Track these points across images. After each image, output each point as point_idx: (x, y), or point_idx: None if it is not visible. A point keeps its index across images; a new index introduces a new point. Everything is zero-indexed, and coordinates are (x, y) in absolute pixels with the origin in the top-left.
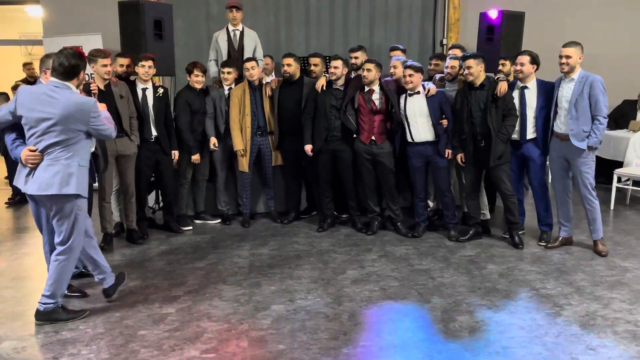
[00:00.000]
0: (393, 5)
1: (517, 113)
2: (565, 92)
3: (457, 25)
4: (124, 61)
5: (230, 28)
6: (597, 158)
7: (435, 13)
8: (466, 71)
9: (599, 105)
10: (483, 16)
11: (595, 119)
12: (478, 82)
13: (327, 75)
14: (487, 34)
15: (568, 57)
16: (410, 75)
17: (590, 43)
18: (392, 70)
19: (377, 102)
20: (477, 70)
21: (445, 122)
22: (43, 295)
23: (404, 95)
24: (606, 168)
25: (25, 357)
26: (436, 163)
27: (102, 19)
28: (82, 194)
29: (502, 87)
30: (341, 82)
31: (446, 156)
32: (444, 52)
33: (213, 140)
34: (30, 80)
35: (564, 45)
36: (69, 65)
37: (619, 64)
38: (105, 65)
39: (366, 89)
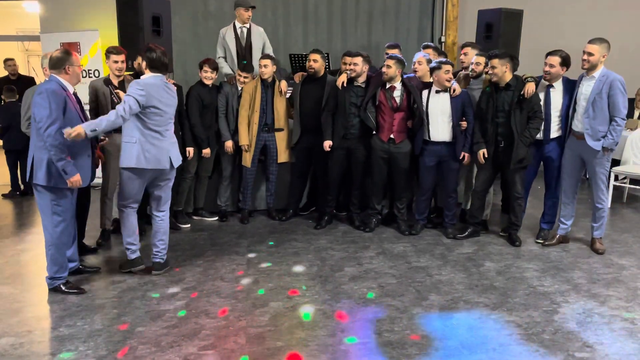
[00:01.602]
0: (391, 3)
1: (543, 116)
2: (585, 90)
3: (455, 22)
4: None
5: (238, 25)
6: None
7: (434, 10)
8: (490, 70)
9: (617, 105)
10: (481, 14)
11: (613, 119)
12: (503, 83)
13: (348, 72)
14: (486, 32)
15: (590, 54)
16: (449, 72)
17: (587, 41)
18: (416, 65)
19: (397, 99)
20: (501, 71)
21: (464, 123)
22: (161, 251)
23: (426, 91)
24: None
25: (23, 354)
26: (448, 164)
27: (100, 15)
28: None
29: (530, 88)
30: (362, 79)
31: (460, 158)
32: (442, 49)
33: (229, 144)
34: (12, 77)
35: (589, 41)
36: (168, 61)
37: (616, 62)
38: (116, 62)
39: (387, 85)
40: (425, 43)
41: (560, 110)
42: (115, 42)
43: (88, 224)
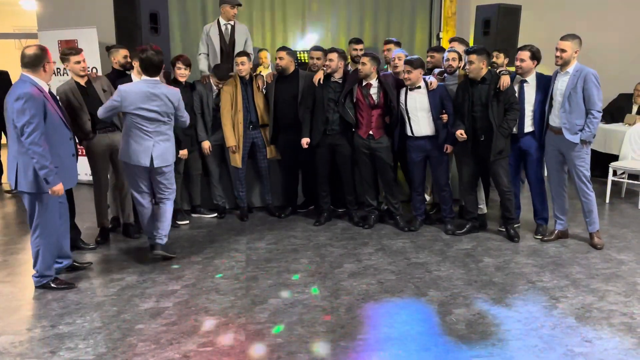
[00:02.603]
0: None
1: (519, 107)
2: (560, 85)
3: (453, 18)
4: (126, 52)
5: (222, 22)
6: (593, 151)
7: (432, 6)
8: (468, 66)
9: (592, 99)
10: (479, 9)
11: (589, 112)
12: (479, 77)
13: (324, 68)
14: (484, 28)
15: (563, 50)
16: (408, 72)
17: (586, 37)
18: (396, 61)
19: (374, 97)
20: (478, 67)
21: (445, 116)
22: (160, 232)
23: (404, 89)
24: (602, 161)
25: (23, 352)
26: (436, 157)
27: (97, 12)
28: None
29: (505, 81)
30: (339, 75)
31: (445, 151)
32: (441, 45)
33: (206, 145)
34: None
35: (561, 38)
36: (159, 62)
37: (614, 58)
38: (79, 62)
39: (364, 83)
40: (387, 38)
41: (533, 104)
42: (112, 39)
43: (86, 220)
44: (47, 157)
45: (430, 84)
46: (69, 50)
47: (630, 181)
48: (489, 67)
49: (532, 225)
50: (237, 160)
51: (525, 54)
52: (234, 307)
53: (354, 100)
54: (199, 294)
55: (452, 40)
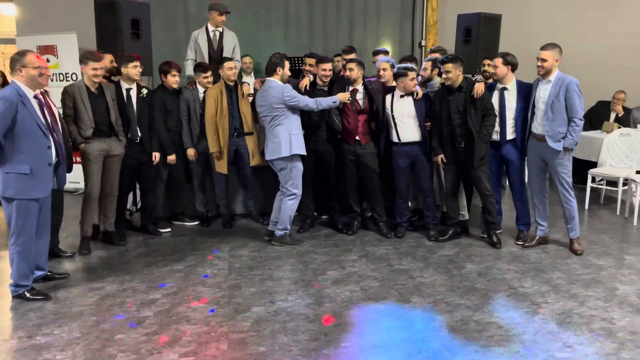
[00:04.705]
0: (372, 7)
1: (496, 113)
2: (542, 94)
3: (435, 27)
4: (111, 57)
5: (211, 28)
6: (572, 158)
7: (414, 15)
8: (444, 75)
9: (574, 107)
10: (461, 18)
11: (572, 120)
12: (456, 85)
13: (310, 76)
14: (465, 36)
15: (544, 60)
16: (414, 79)
17: (565, 45)
18: (380, 72)
19: (361, 102)
20: (455, 75)
21: (429, 124)
22: (277, 227)
23: (390, 95)
24: (581, 168)
25: None
26: (422, 163)
27: (78, 17)
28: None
29: (479, 88)
30: (321, 83)
31: (434, 160)
32: (422, 53)
33: (191, 152)
34: None
35: (541, 48)
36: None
37: (594, 66)
38: (95, 69)
39: (350, 88)
40: (375, 49)
41: (514, 112)
42: (93, 45)
43: (65, 228)
44: None
45: (417, 94)
46: (89, 55)
47: (609, 187)
48: (465, 75)
49: (513, 232)
50: (222, 166)
51: (498, 61)
52: (216, 316)
53: (340, 107)
54: (181, 303)
55: (431, 50)
